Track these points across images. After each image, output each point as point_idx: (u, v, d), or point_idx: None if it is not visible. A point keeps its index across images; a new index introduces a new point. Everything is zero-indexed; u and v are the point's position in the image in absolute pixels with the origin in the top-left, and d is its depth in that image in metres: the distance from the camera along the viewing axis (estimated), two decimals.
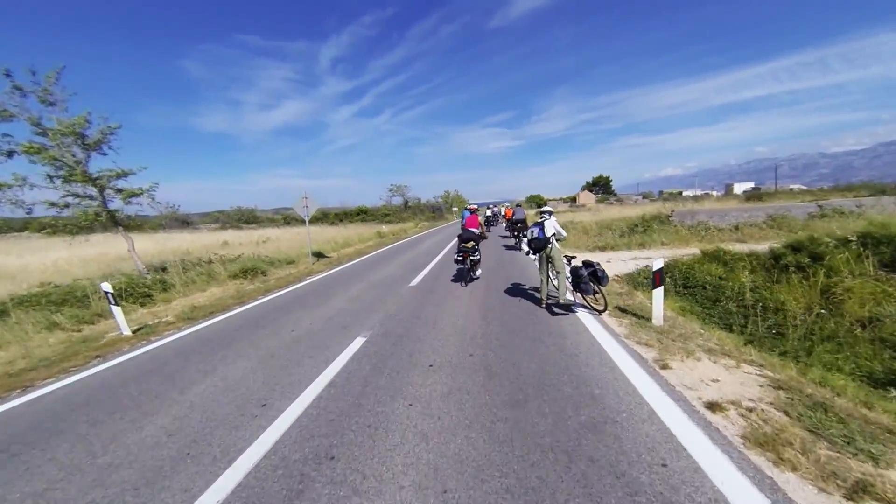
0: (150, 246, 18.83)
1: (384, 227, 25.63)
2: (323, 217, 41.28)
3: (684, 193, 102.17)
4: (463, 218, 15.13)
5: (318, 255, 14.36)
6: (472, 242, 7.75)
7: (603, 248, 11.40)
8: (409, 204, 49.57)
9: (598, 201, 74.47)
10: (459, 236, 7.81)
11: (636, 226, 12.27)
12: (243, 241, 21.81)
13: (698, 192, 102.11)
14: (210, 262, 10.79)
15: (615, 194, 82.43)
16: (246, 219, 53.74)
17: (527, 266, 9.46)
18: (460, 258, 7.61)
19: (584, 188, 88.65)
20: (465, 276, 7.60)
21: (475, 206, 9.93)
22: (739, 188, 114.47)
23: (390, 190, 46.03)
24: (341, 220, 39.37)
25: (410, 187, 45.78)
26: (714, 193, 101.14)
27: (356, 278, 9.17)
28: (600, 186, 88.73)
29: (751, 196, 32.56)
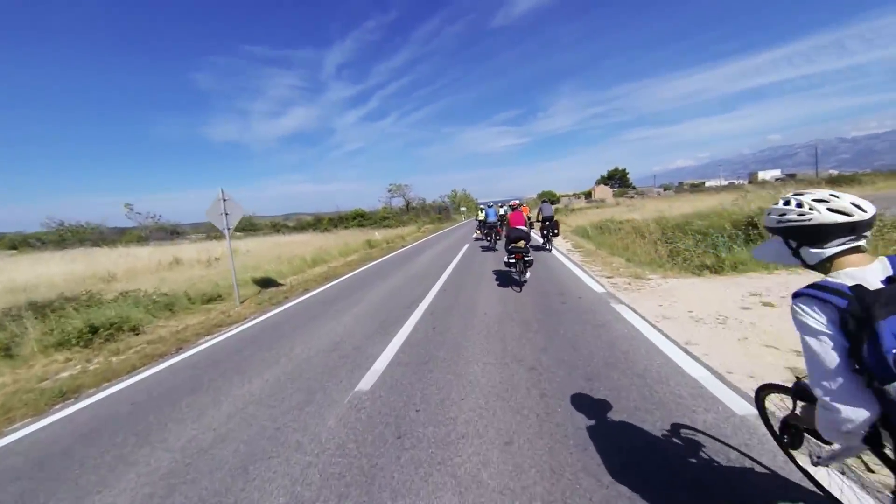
0: (74, 269, 14.80)
1: (377, 234, 21.27)
2: (316, 223, 37.24)
3: (707, 184, 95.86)
4: (487, 217, 14.77)
5: (267, 283, 10.02)
6: (522, 241, 6.84)
7: (715, 269, 6.60)
8: (412, 205, 45.19)
9: (616, 195, 69.07)
10: (507, 236, 7.16)
11: (750, 227, 7.56)
12: (202, 258, 17.66)
13: (723, 182, 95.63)
14: (48, 313, 6.44)
15: (634, 187, 76.86)
16: (242, 226, 50.05)
17: (583, 304, 4.91)
18: (512, 260, 6.83)
19: (599, 182, 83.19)
20: (519, 280, 6.71)
21: (517, 202, 8.80)
22: (764, 176, 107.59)
23: (389, 190, 41.59)
24: (336, 226, 35.23)
25: (412, 186, 41.57)
26: (742, 182, 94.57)
27: (279, 348, 4.77)
28: (616, 179, 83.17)
29: (832, 179, 26.81)
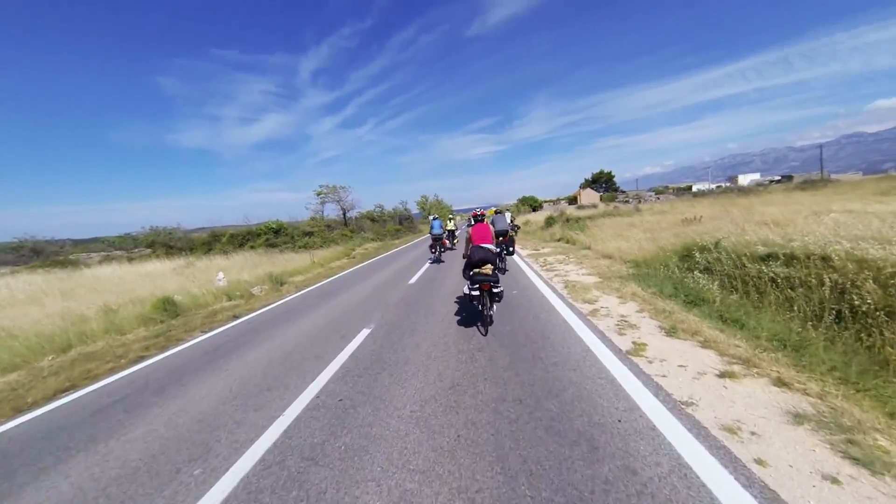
0: None
1: (193, 287, 10.03)
2: (212, 240, 26.29)
3: (694, 188, 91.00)
4: (433, 229, 12.87)
5: None
6: (489, 265, 4.99)
7: None
8: (357, 214, 34.64)
9: (604, 200, 61.46)
10: (469, 257, 5.13)
11: None
12: None
13: (711, 186, 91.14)
14: None
15: (623, 192, 69.76)
16: (163, 241, 36.85)
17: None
18: (475, 292, 4.86)
19: (583, 185, 75.83)
20: (484, 317, 4.84)
21: (481, 211, 6.13)
22: (744, 180, 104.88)
23: (319, 194, 30.57)
24: (241, 245, 24.50)
25: (351, 189, 30.90)
26: (723, 185, 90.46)
27: None
28: (602, 183, 76.14)
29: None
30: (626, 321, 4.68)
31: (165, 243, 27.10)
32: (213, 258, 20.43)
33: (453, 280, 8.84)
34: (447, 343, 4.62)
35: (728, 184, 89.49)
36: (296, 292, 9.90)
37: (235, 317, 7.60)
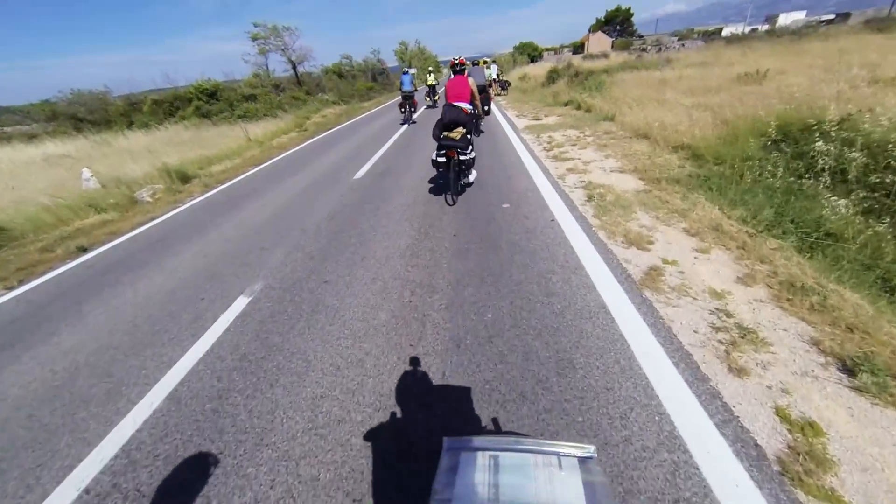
0: None
1: None
2: (131, 110, 20.98)
3: (725, 31, 76.67)
4: (402, 85, 11.35)
5: None
6: (460, 128, 4.26)
7: None
8: (319, 69, 27.55)
9: (617, 47, 51.34)
10: (441, 119, 4.30)
11: None
12: None
13: (745, 29, 76.59)
14: None
15: (640, 36, 58.20)
16: (68, 112, 28.43)
17: None
18: (442, 157, 4.28)
19: (593, 28, 62.69)
20: (452, 185, 4.38)
21: (460, 59, 5.02)
22: (786, 19, 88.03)
23: (255, 39, 22.45)
24: (170, 115, 19.58)
25: (299, 32, 22.90)
26: (759, 28, 76.07)
27: None
28: (616, 25, 63.01)
29: None
30: (726, 313, 2.28)
31: (73, 115, 21.74)
32: (131, 135, 16.19)
33: (416, 172, 6.02)
34: (365, 363, 2.28)
35: (766, 26, 74.89)
36: (200, 195, 7.05)
37: (83, 249, 5.00)
